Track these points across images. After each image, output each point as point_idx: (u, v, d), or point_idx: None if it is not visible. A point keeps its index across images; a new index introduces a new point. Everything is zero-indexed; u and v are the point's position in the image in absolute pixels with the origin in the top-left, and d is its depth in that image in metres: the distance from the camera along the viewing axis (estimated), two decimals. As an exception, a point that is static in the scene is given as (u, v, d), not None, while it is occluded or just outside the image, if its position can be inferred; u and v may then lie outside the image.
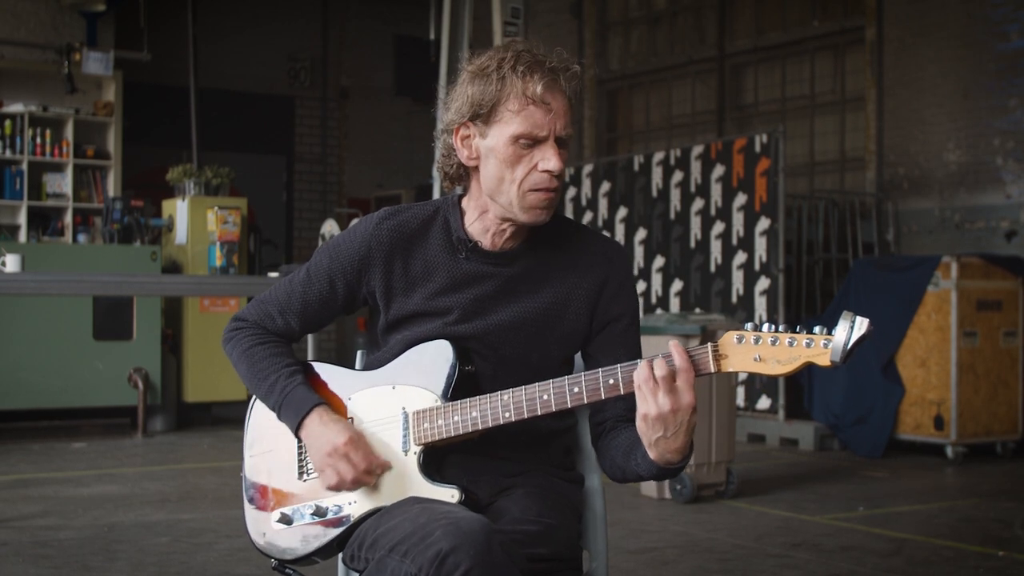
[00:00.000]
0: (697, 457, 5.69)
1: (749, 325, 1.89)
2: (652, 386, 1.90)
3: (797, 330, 1.86)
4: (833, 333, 1.81)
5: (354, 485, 2.08)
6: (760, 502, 5.77)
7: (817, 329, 1.84)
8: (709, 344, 1.90)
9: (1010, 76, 8.30)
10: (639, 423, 1.93)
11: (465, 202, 2.19)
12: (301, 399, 2.12)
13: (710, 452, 5.74)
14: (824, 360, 1.82)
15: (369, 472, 2.07)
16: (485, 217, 2.14)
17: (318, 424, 2.09)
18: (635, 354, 2.17)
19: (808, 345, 1.83)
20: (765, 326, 1.88)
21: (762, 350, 1.86)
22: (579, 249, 2.19)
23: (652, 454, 1.96)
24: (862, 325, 1.79)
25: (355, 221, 2.25)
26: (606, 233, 9.30)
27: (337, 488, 2.08)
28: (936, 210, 8.71)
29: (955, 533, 5.13)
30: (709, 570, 4.39)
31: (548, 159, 2.05)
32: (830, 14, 9.78)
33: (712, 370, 1.89)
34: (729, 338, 1.89)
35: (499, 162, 2.07)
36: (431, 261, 2.16)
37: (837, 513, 5.54)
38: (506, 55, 2.07)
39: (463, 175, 2.17)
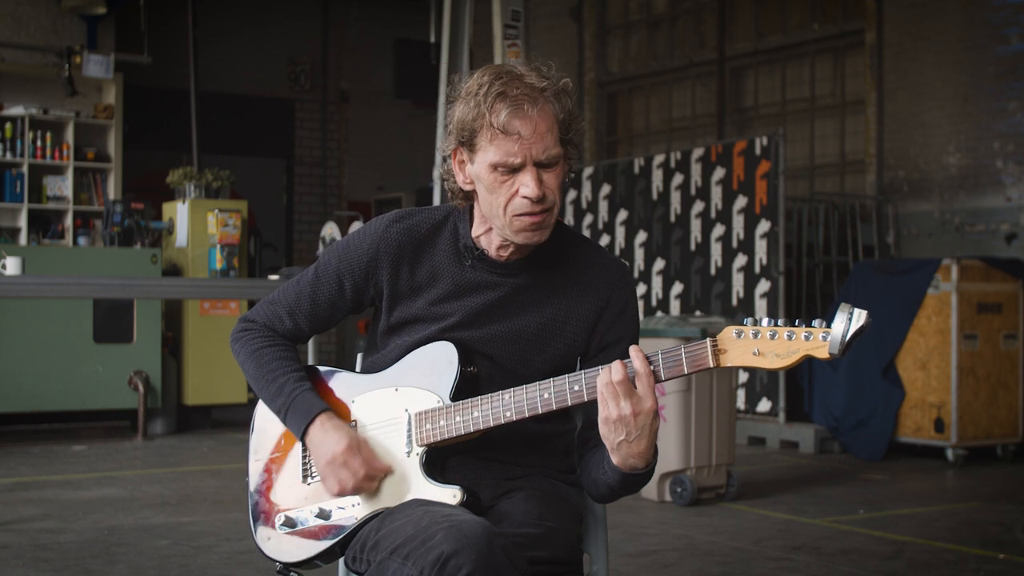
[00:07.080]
0: (697, 460, 5.69)
1: (748, 320, 1.89)
2: (612, 390, 1.93)
3: (796, 324, 1.86)
4: (831, 326, 1.81)
5: (355, 491, 2.09)
6: (760, 505, 5.77)
7: (816, 322, 1.85)
8: (708, 339, 1.91)
9: (1010, 79, 8.30)
10: (601, 427, 1.97)
11: (475, 210, 2.19)
12: (307, 405, 2.13)
13: (710, 455, 5.74)
14: (823, 353, 1.83)
15: (370, 478, 2.08)
16: (490, 232, 2.16)
17: (321, 431, 2.10)
18: None
19: (807, 338, 1.84)
20: (764, 320, 1.88)
21: (761, 344, 1.87)
22: (584, 267, 2.20)
23: (615, 459, 2.00)
24: (860, 317, 1.79)
25: (356, 224, 2.27)
26: (606, 239, 9.31)
27: (339, 495, 2.10)
28: (936, 213, 8.71)
29: (956, 536, 5.12)
30: (709, 573, 4.39)
31: (526, 185, 2.04)
32: (830, 17, 9.79)
33: (711, 365, 1.90)
34: (728, 333, 1.90)
35: (485, 189, 2.08)
36: (437, 267, 2.17)
37: (837, 516, 5.54)
38: (484, 80, 2.05)
39: (469, 195, 2.17)
